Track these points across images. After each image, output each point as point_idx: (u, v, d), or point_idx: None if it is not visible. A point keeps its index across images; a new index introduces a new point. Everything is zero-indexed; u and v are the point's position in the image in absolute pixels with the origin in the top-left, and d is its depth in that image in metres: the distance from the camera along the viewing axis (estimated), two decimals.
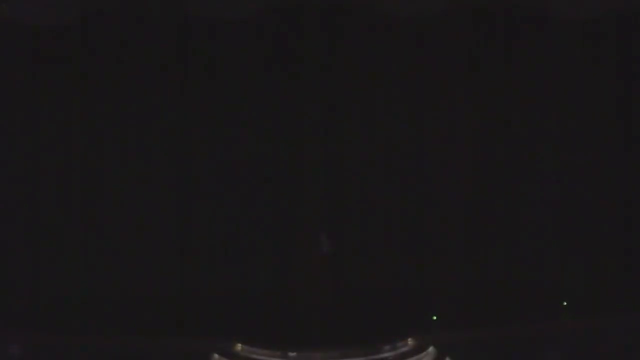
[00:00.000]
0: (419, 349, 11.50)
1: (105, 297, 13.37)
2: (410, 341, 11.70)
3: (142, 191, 13.88)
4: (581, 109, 14.12)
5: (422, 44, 13.89)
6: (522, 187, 14.19)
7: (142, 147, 13.92)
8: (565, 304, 12.64)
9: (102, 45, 13.54)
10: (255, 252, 14.33)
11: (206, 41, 13.71)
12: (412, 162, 14.20)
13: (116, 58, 13.61)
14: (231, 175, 14.04)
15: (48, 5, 11.98)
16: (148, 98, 13.77)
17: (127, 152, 13.90)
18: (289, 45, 13.82)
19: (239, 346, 11.55)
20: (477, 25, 13.86)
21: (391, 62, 13.98)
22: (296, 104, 14.12)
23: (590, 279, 13.90)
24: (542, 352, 9.45)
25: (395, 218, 14.36)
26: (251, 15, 12.53)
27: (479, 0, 13.52)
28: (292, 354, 11.34)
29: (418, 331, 11.90)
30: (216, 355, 11.31)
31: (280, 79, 13.92)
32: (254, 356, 11.36)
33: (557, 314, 12.58)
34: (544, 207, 14.17)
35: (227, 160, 14.14)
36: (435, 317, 12.11)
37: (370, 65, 13.97)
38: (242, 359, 11.30)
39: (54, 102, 13.65)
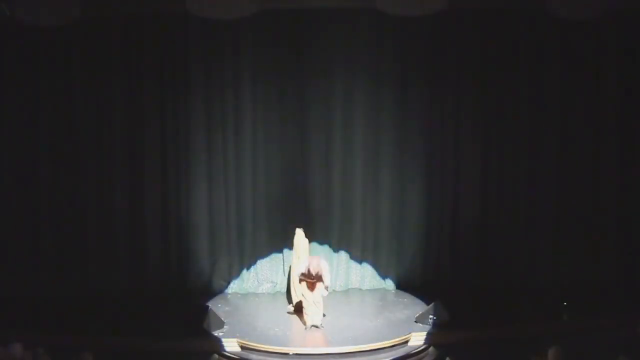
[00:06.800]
0: (419, 349, 11.52)
1: (105, 297, 13.41)
2: (410, 341, 11.71)
3: (144, 190, 13.92)
4: (581, 108, 14.14)
5: (421, 43, 13.93)
6: (523, 187, 14.21)
7: (141, 147, 13.95)
8: (565, 304, 12.65)
9: (102, 45, 13.57)
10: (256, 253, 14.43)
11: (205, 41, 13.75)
12: (409, 161, 14.23)
13: (116, 58, 13.64)
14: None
15: (48, 5, 11.99)
16: (148, 97, 13.79)
17: (126, 152, 13.94)
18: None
19: (239, 346, 11.56)
20: (477, 25, 13.88)
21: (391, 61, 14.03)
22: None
23: (590, 279, 13.93)
24: (542, 352, 9.45)
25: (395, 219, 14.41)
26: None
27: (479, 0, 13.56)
28: (291, 354, 11.35)
29: (418, 331, 11.90)
30: (216, 355, 11.33)
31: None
32: (254, 356, 11.38)
33: (557, 314, 12.58)
34: (544, 207, 14.19)
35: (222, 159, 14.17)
36: (435, 317, 12.12)
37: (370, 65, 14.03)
38: (242, 359, 11.31)
39: (54, 102, 13.67)
